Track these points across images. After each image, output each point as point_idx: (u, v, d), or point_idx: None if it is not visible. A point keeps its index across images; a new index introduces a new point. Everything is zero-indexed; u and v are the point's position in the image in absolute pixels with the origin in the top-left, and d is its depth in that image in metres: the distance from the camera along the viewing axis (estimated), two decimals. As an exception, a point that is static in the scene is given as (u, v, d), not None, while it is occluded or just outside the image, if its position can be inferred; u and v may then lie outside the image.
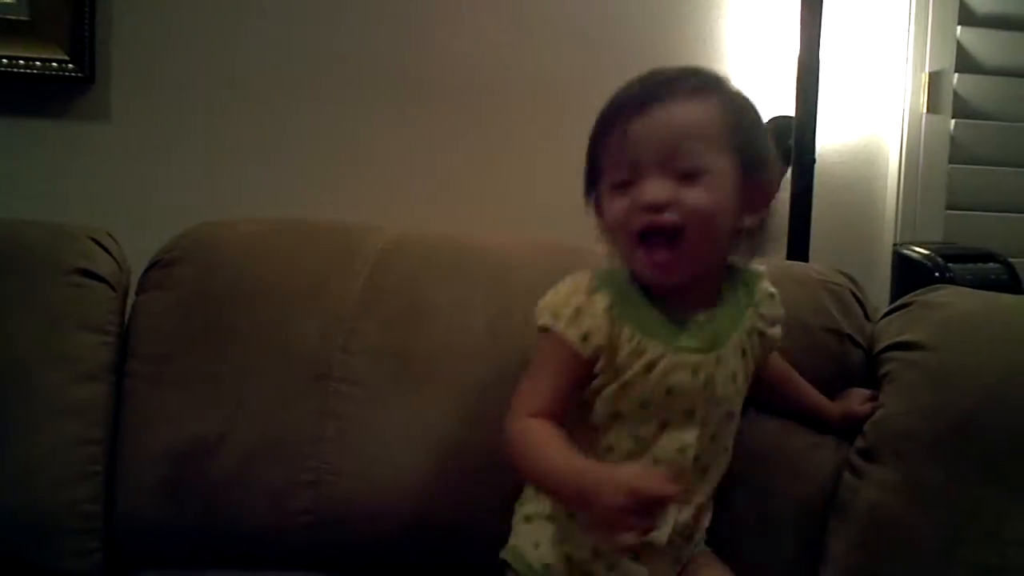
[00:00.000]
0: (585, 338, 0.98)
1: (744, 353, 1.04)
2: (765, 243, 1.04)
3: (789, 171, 1.75)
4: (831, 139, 1.90)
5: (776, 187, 1.04)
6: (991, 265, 1.66)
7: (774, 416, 1.20)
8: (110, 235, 1.35)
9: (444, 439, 1.17)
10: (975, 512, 1.04)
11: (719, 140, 0.97)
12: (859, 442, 1.15)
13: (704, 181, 0.95)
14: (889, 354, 1.19)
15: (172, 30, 1.72)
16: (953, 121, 1.99)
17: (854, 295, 1.29)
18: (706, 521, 1.08)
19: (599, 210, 1.04)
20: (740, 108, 1.01)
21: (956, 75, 1.98)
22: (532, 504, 1.07)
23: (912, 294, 1.26)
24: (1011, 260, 1.69)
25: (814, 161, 1.70)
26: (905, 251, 1.72)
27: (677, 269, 0.97)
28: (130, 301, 1.32)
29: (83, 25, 1.66)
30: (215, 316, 1.25)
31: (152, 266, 1.31)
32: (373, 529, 1.16)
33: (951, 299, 1.22)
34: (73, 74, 1.66)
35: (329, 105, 1.78)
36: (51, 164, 1.70)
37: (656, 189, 0.94)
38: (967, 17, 1.99)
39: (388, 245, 1.31)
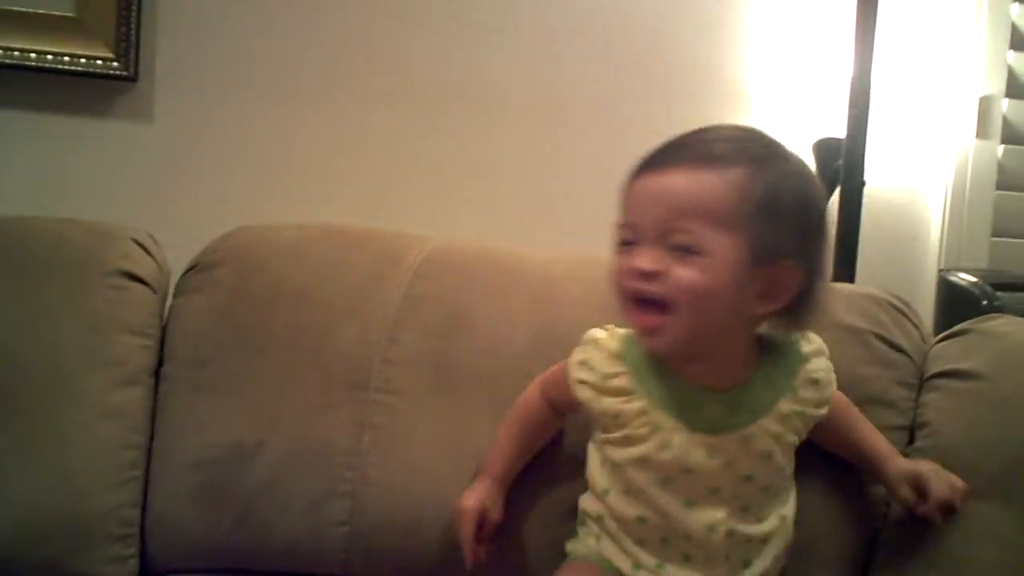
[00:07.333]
0: (583, 399, 1.01)
1: (778, 437, 0.98)
2: (806, 316, 0.97)
3: (836, 193, 1.72)
4: (879, 162, 1.86)
5: (796, 279, 0.92)
6: (1039, 294, 1.62)
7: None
8: (151, 236, 1.34)
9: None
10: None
11: (728, 220, 0.89)
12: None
13: (698, 261, 0.89)
14: (944, 381, 1.15)
15: (217, 32, 1.71)
16: (1002, 147, 1.95)
17: (906, 315, 1.24)
18: None
19: None
20: (776, 189, 0.90)
21: (1006, 100, 1.95)
22: (587, 502, 1.05)
23: (969, 322, 1.22)
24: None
25: (863, 184, 1.67)
26: (951, 277, 1.69)
27: (665, 338, 0.92)
28: (168, 304, 1.30)
29: (128, 24, 1.65)
30: (253, 321, 1.23)
31: (191, 269, 1.30)
32: (409, 542, 1.13)
33: (1010, 329, 1.18)
34: (117, 72, 1.66)
35: (376, 111, 1.76)
36: (93, 163, 1.69)
37: (646, 258, 0.90)
38: (1019, 42, 1.95)
39: (430, 255, 1.29)
